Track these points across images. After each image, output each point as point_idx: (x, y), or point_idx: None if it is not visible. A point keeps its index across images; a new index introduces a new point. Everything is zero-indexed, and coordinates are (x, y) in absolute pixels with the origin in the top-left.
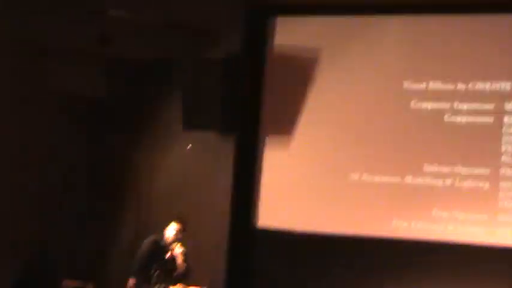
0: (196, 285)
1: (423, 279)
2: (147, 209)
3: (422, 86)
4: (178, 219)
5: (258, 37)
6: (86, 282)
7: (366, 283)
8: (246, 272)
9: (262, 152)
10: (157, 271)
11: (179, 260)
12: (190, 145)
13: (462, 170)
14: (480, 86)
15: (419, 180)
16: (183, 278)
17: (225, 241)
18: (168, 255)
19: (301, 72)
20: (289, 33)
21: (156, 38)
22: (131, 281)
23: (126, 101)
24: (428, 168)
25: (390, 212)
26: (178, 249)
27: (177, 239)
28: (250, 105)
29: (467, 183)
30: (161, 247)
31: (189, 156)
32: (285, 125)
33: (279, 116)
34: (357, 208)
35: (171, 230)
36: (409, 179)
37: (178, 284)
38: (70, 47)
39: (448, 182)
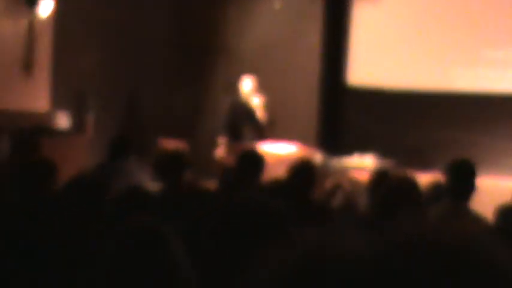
0: (288, 140)
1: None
2: (237, 67)
3: None
4: (251, 73)
5: None
6: (179, 139)
7: (455, 136)
8: (337, 126)
9: (351, 8)
10: (246, 127)
11: (259, 112)
12: (278, 2)
13: None
14: None
15: None
16: (268, 129)
17: (316, 98)
18: (249, 109)
19: None
20: None
21: None
22: (221, 139)
23: None
24: None
25: None
26: (256, 101)
27: (254, 92)
28: None
29: None
30: (240, 102)
31: (278, 14)
32: None
33: None
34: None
35: (247, 85)
36: None
37: (269, 140)
38: None
39: None
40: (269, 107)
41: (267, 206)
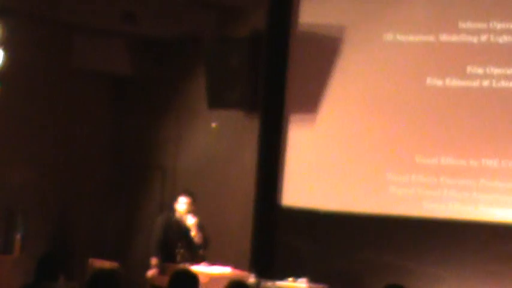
0: (221, 264)
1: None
2: (172, 187)
3: None
4: (186, 192)
5: (283, 15)
6: (111, 260)
7: (389, 260)
8: (271, 250)
9: (286, 130)
10: (182, 249)
11: (193, 231)
12: (214, 123)
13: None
14: None
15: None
16: (202, 250)
17: (250, 220)
18: (183, 228)
19: (325, 50)
20: (314, 11)
21: (181, 16)
22: (153, 260)
23: (151, 79)
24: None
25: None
26: (190, 221)
27: (189, 211)
28: (274, 83)
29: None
30: (174, 222)
31: (214, 134)
32: (309, 103)
33: (303, 94)
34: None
35: (181, 204)
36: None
37: (202, 262)
38: (96, 25)
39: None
40: (203, 227)
41: None
